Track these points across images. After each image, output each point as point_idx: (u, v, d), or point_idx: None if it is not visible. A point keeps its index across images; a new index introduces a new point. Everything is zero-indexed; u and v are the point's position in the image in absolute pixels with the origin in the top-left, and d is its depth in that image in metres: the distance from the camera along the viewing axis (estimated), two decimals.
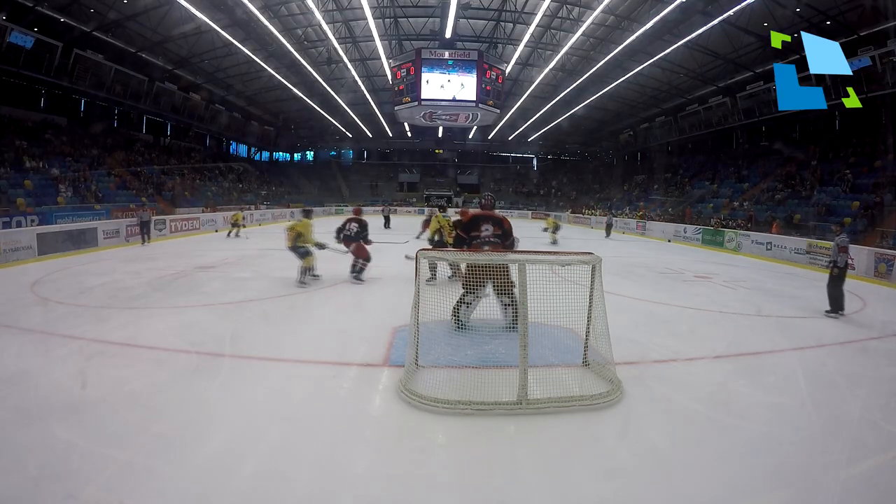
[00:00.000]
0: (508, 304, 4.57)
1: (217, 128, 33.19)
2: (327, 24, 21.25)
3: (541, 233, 17.72)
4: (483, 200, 5.47)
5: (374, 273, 9.03)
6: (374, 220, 22.51)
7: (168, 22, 20.05)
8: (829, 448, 3.00)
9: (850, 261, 6.64)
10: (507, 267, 4.28)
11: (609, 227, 22.21)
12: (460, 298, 4.76)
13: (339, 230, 8.21)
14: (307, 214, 8.40)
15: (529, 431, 3.13)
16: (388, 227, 22.13)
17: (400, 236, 15.77)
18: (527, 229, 18.52)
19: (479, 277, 4.38)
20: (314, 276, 8.19)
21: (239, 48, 22.84)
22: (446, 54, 21.61)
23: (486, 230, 5.07)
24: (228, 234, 16.60)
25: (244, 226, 17.46)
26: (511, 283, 4.34)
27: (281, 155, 45.70)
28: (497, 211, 5.76)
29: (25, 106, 21.04)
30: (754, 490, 2.57)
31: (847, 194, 17.71)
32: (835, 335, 5.62)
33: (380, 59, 25.05)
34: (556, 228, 17.43)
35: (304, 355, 4.43)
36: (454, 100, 22.13)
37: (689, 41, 20.11)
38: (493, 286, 4.50)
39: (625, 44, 21.09)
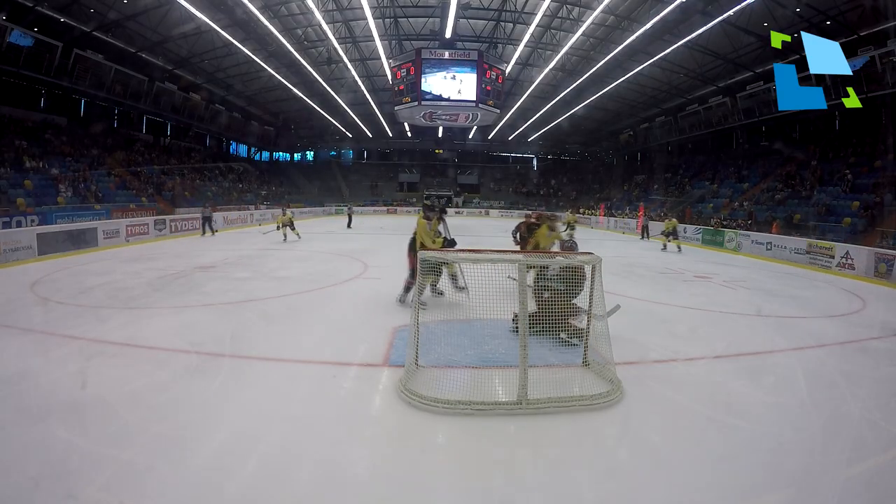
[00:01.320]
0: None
1: (217, 128, 33.17)
2: (327, 24, 21.25)
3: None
4: (565, 245, 5.62)
5: (373, 273, 9.04)
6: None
7: (168, 22, 20.04)
8: (829, 448, 3.00)
9: None
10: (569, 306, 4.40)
11: (674, 233, 15.61)
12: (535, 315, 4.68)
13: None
14: (427, 212, 6.23)
15: (529, 431, 3.13)
16: (350, 227, 21.73)
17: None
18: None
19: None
20: (438, 293, 5.94)
21: (239, 48, 22.82)
22: (446, 54, 21.63)
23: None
24: (285, 239, 14.82)
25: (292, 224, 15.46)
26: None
27: (281, 155, 45.68)
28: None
29: (25, 106, 21.02)
30: (754, 490, 2.57)
31: (847, 194, 17.70)
32: (835, 335, 5.62)
33: (380, 59, 25.05)
34: (674, 234, 15.14)
35: (304, 355, 4.43)
36: (454, 100, 22.14)
37: (689, 41, 20.09)
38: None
39: (625, 44, 21.08)
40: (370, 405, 3.53)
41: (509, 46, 24.97)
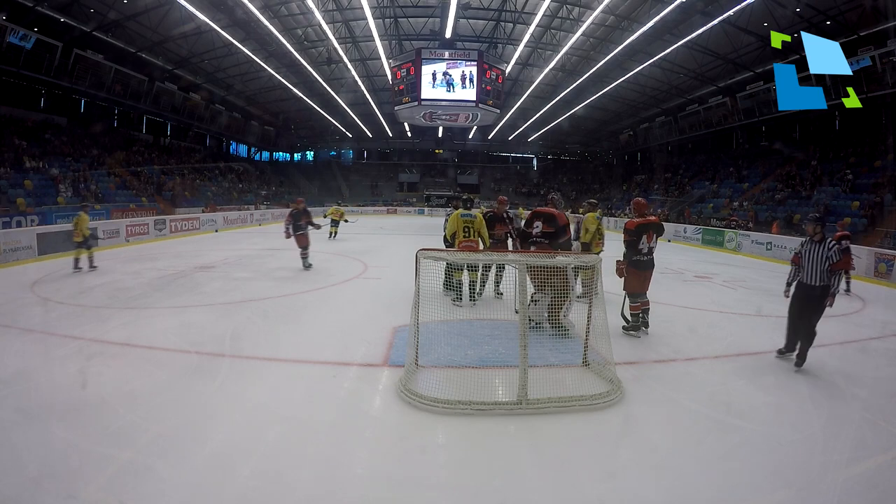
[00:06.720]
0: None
1: (217, 128, 33.16)
2: (327, 24, 21.23)
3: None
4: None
5: (373, 273, 9.05)
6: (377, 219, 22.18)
7: (168, 22, 20.04)
8: (829, 448, 3.00)
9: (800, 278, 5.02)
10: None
11: None
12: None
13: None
14: (468, 207, 6.22)
15: (529, 431, 3.13)
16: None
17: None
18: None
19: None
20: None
21: (239, 48, 22.82)
22: (446, 54, 21.62)
23: (537, 227, 5.09)
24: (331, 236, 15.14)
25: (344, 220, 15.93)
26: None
27: (281, 155, 45.66)
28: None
29: (25, 106, 21.02)
30: (754, 490, 2.57)
31: (847, 194, 17.70)
32: (835, 335, 5.61)
33: (380, 59, 25.03)
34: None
35: (304, 355, 4.42)
36: (454, 100, 22.13)
37: (689, 41, 20.09)
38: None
39: (625, 44, 21.07)
40: (370, 405, 3.52)
41: (509, 46, 24.96)
